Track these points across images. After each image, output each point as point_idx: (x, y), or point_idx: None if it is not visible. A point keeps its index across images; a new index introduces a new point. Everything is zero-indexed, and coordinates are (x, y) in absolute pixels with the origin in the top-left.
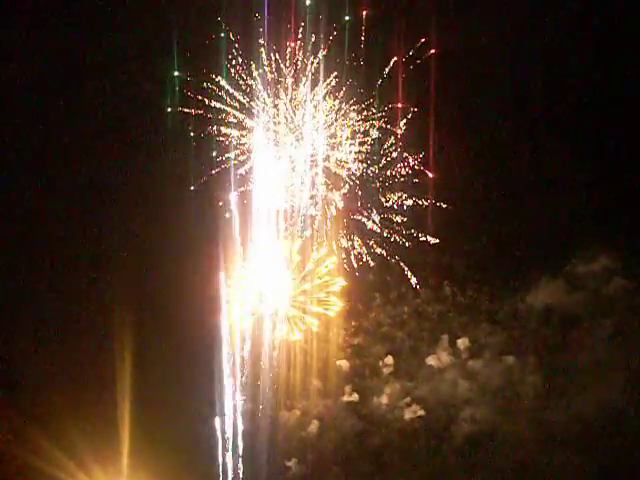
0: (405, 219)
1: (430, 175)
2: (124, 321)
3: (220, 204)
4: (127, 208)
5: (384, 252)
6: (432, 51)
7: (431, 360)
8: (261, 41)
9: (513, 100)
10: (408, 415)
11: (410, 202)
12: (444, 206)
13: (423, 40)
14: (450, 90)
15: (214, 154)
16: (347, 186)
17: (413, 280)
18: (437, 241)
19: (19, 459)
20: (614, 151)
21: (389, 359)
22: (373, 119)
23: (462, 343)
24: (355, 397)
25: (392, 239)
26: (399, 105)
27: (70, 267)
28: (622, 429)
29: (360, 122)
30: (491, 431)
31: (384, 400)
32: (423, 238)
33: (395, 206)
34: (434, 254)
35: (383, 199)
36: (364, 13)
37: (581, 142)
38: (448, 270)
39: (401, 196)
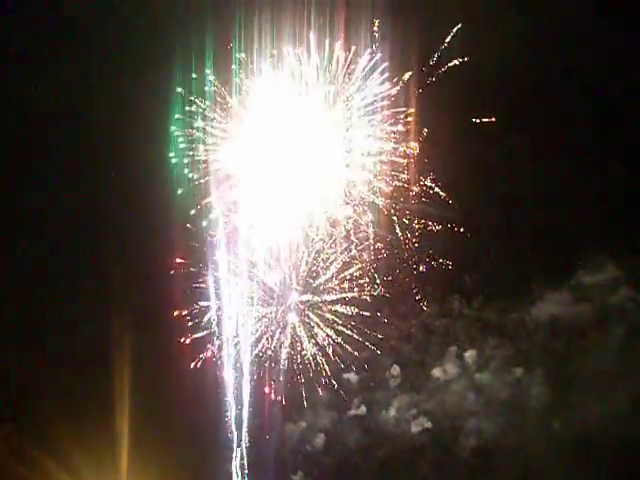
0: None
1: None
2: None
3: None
4: None
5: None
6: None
7: (438, 372)
8: None
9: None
10: (415, 428)
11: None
12: (457, 229)
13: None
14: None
15: None
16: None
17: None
18: (449, 264)
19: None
20: (619, 159)
21: (396, 371)
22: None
23: (469, 356)
24: (362, 410)
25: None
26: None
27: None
28: (631, 441)
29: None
30: (498, 443)
31: (391, 413)
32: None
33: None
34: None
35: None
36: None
37: (587, 150)
38: (455, 283)
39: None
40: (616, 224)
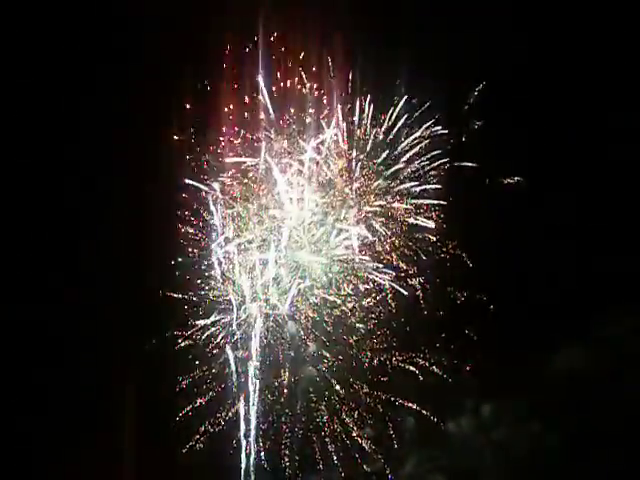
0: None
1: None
2: None
3: None
4: None
5: None
6: None
7: (453, 427)
8: None
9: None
10: None
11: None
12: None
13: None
14: None
15: None
16: None
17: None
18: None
19: None
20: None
21: (411, 426)
22: None
23: (485, 410)
24: (377, 466)
25: None
26: None
27: None
28: None
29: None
30: None
31: (407, 469)
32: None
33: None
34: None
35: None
36: None
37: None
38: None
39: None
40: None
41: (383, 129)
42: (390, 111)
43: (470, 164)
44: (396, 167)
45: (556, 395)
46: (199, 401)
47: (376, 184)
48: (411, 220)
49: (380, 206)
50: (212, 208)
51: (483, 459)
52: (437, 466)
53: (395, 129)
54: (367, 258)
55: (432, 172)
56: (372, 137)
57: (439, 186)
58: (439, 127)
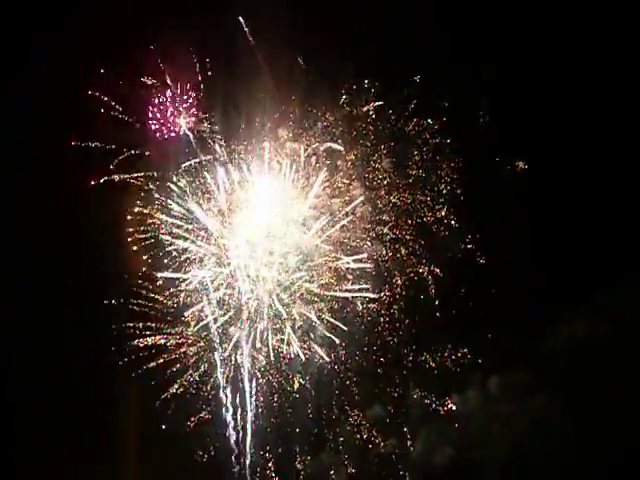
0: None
1: None
2: None
3: None
4: None
5: None
6: None
7: (460, 402)
8: None
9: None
10: (438, 459)
11: None
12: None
13: None
14: None
15: None
16: None
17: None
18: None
19: None
20: None
21: (418, 402)
22: None
23: (491, 384)
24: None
25: None
26: None
27: None
28: None
29: None
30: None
31: (417, 446)
32: None
33: None
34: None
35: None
36: None
37: None
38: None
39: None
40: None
41: None
42: None
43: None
44: None
45: (558, 366)
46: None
47: None
48: None
49: None
50: None
51: (489, 431)
52: (445, 440)
53: None
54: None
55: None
56: None
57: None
58: None
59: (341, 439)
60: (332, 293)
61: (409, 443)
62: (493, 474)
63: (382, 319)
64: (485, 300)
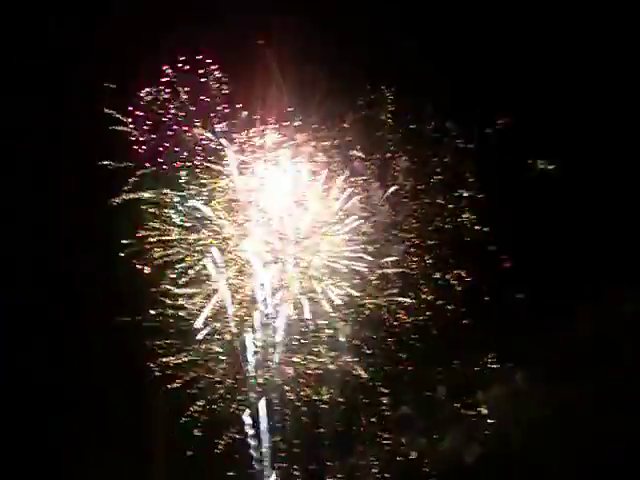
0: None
1: None
2: None
3: None
4: None
5: None
6: None
7: (483, 392)
8: None
9: None
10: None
11: None
12: None
13: None
14: None
15: None
16: None
17: None
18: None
19: None
20: None
21: (443, 391)
22: None
23: (514, 371)
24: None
25: None
26: None
27: None
28: None
29: None
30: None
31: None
32: None
33: None
34: None
35: None
36: None
37: None
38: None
39: None
40: None
41: None
42: None
43: None
44: None
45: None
46: None
47: None
48: None
49: None
50: None
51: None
52: (472, 437)
53: None
54: None
55: None
56: None
57: None
58: None
59: (367, 441)
60: (358, 301)
61: (436, 443)
62: (523, 472)
63: (408, 325)
64: (510, 303)
